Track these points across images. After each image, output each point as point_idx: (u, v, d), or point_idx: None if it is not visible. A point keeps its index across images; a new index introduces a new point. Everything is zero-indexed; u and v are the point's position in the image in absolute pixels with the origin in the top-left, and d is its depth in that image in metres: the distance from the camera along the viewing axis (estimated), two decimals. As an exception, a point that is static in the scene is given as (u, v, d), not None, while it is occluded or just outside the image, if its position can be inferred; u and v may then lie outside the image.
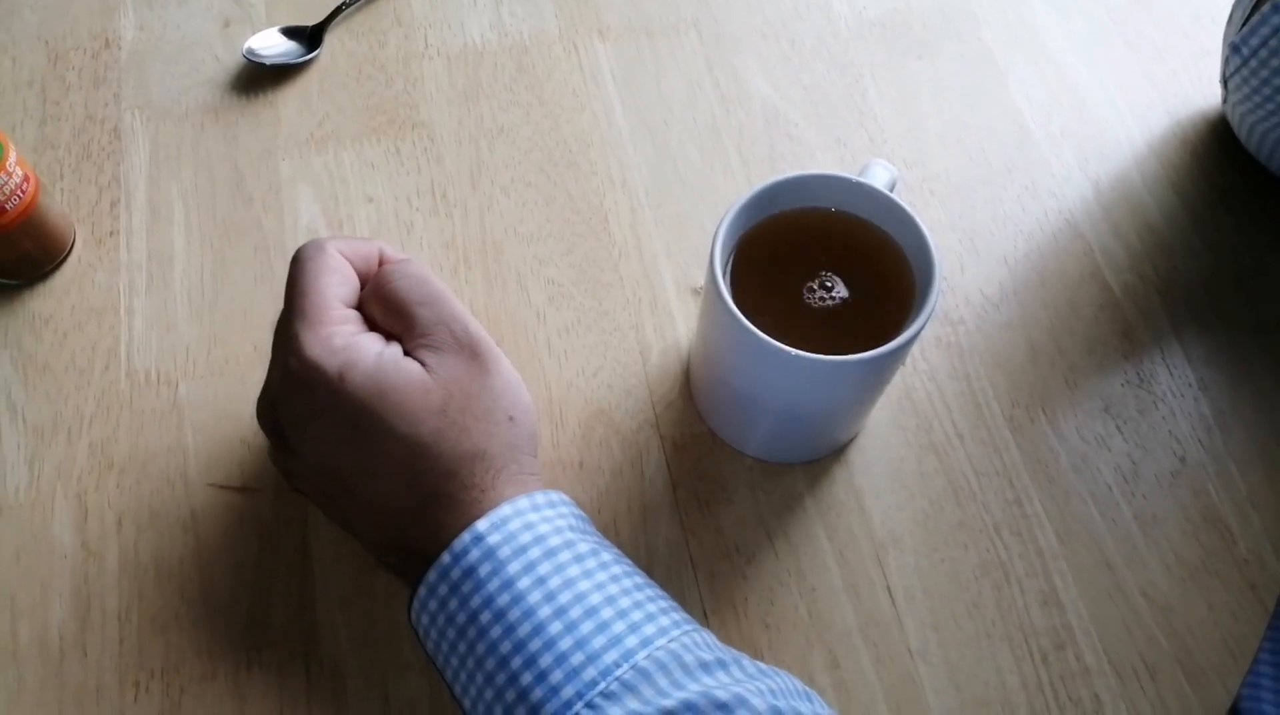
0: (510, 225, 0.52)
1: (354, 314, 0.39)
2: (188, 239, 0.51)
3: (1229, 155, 0.55)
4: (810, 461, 0.46)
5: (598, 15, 0.59)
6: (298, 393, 0.37)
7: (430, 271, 0.40)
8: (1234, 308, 0.51)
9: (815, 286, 0.41)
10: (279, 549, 0.43)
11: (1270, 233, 0.53)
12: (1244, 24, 0.47)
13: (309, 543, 0.43)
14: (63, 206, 0.50)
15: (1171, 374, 0.49)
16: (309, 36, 0.57)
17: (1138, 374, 0.49)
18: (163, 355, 0.47)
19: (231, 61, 0.56)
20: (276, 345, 0.39)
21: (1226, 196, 0.54)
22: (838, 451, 0.46)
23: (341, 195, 0.52)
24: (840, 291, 0.41)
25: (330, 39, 0.57)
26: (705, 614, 0.43)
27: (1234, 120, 0.53)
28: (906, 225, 0.40)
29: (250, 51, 0.55)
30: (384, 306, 0.39)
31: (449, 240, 0.51)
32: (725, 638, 0.42)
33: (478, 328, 0.39)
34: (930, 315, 0.38)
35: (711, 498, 0.45)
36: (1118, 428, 0.47)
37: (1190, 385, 0.49)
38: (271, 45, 0.56)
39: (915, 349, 0.49)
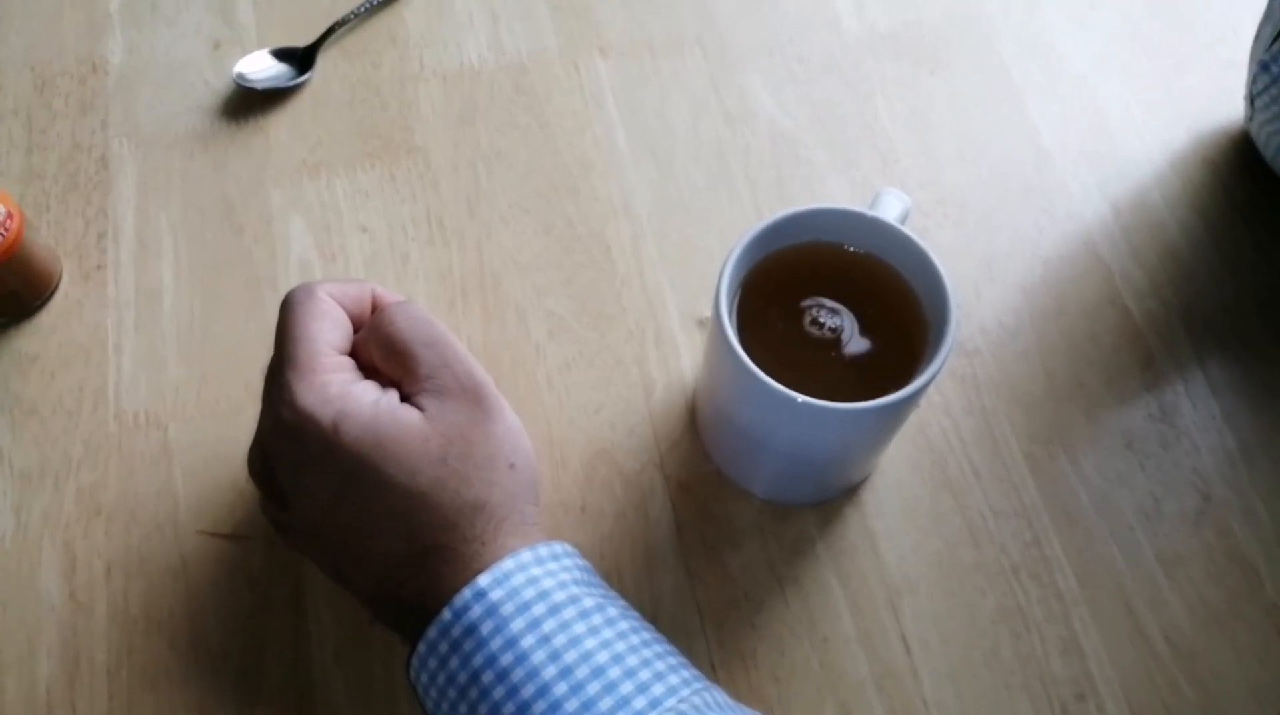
0: (509, 255, 0.50)
1: (347, 361, 0.38)
2: (176, 273, 0.49)
3: (1251, 173, 0.53)
4: (821, 502, 0.45)
5: (598, 33, 0.57)
6: (290, 444, 0.36)
7: (431, 314, 0.39)
8: (1258, 334, 0.49)
9: (825, 325, 0.40)
10: (272, 600, 0.42)
11: (1296, 255, 0.51)
12: (1274, 40, 0.45)
13: (303, 593, 0.42)
14: (49, 240, 0.49)
15: (1195, 406, 0.47)
16: (300, 58, 0.55)
17: (1160, 406, 0.47)
18: (151, 395, 0.46)
19: (221, 85, 0.55)
20: (267, 394, 0.38)
21: (1249, 216, 0.52)
22: (850, 491, 0.45)
23: (334, 225, 0.51)
24: (851, 330, 0.39)
25: (323, 61, 0.56)
26: (713, 666, 0.41)
27: (1259, 138, 0.51)
28: (921, 263, 0.39)
29: (241, 76, 0.53)
30: (385, 348, 0.38)
31: (445, 271, 0.50)
32: (734, 692, 0.40)
33: (481, 372, 0.38)
34: (945, 359, 0.36)
35: (719, 541, 0.44)
36: (1140, 464, 0.46)
37: (1214, 417, 0.47)
38: (262, 68, 0.54)
39: (929, 382, 0.48)
